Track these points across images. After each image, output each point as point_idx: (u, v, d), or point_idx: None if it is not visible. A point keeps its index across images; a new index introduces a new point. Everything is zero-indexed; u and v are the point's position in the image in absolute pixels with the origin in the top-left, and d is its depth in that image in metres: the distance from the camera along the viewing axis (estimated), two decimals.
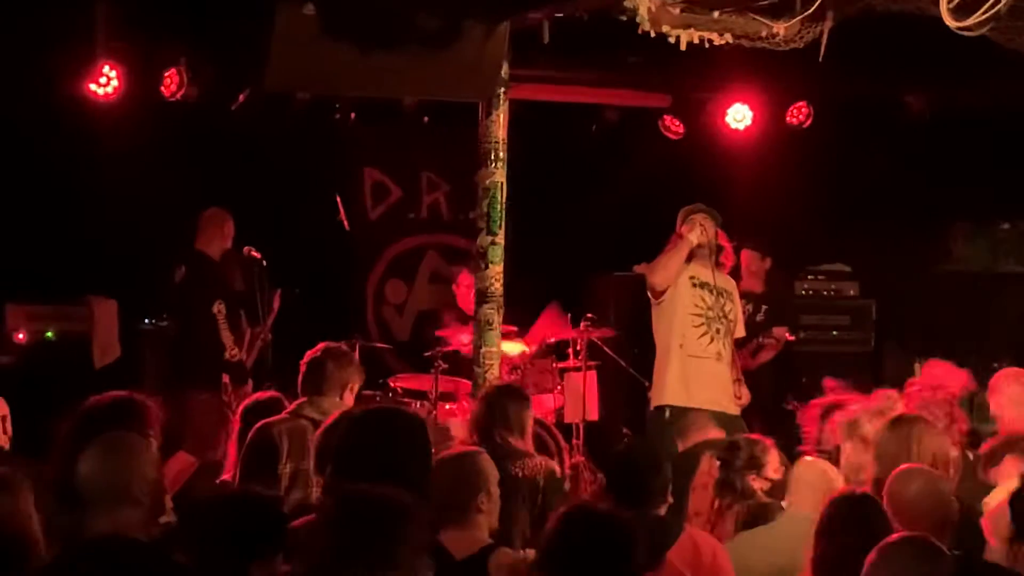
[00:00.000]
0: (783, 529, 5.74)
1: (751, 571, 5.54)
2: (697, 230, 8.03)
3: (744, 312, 8.73)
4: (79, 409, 5.26)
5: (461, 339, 9.65)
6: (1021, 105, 10.18)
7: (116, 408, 5.25)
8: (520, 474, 6.01)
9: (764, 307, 10.01)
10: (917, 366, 10.88)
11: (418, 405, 9.47)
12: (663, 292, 8.04)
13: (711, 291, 8.06)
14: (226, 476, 6.21)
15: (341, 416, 4.90)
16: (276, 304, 9.50)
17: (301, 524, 4.41)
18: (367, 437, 4.54)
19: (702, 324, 8.02)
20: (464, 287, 9.95)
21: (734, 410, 8.01)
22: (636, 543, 4.01)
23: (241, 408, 6.44)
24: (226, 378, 9.22)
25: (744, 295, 8.94)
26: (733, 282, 8.36)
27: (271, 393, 6.54)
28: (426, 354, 9.75)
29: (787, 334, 10.14)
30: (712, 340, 8.02)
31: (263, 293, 9.31)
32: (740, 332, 8.37)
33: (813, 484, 5.77)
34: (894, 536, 4.22)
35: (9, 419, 6.12)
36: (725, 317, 8.08)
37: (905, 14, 6.31)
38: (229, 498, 4.05)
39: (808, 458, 6.14)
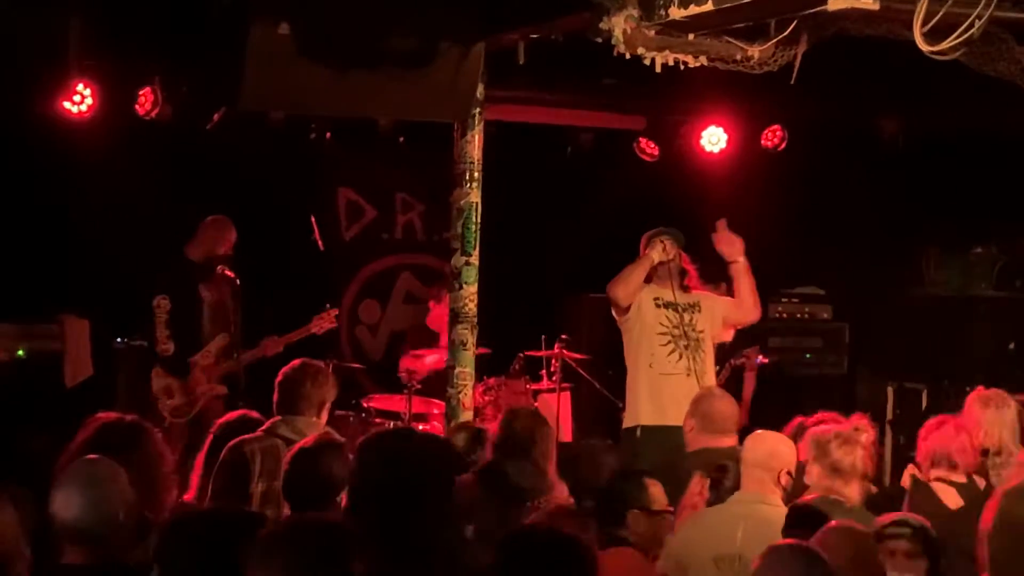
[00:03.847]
0: (731, 511, 5.74)
1: (697, 553, 5.54)
2: (658, 247, 8.12)
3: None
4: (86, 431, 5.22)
5: (426, 360, 9.70)
6: (994, 129, 10.25)
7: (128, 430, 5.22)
8: None
9: None
10: (890, 390, 10.95)
11: (391, 425, 9.45)
12: (627, 309, 8.10)
13: (675, 309, 8.14)
14: (188, 495, 5.97)
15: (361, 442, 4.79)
16: (267, 351, 9.31)
17: None
18: (391, 463, 4.45)
19: (669, 342, 8.09)
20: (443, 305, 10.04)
21: None
22: (593, 566, 3.94)
23: (216, 425, 6.36)
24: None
25: None
26: (698, 294, 8.36)
27: (249, 412, 6.47)
28: (400, 374, 9.76)
29: (759, 354, 10.16)
30: (680, 356, 8.08)
31: (237, 313, 9.26)
32: (722, 337, 8.42)
33: (762, 464, 5.78)
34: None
35: None
36: (693, 330, 8.14)
37: (879, 38, 6.34)
38: (208, 515, 4.01)
39: (758, 432, 6.13)
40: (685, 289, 8.25)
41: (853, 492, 5.82)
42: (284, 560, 3.53)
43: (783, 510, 5.66)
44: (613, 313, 8.23)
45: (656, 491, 5.57)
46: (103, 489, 4.29)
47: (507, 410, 6.89)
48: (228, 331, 9.26)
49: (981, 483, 6.47)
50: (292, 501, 5.16)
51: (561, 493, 6.16)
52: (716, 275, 8.73)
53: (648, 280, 8.15)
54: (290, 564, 3.53)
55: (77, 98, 9.79)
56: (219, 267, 9.26)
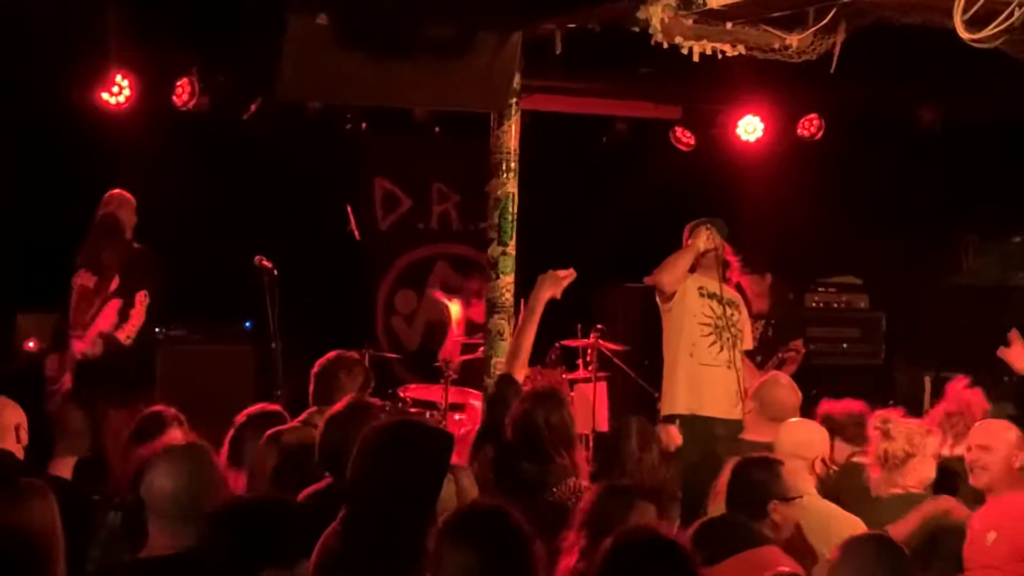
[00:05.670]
0: None
1: None
2: (704, 235, 8.06)
3: (755, 330, 8.73)
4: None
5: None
6: None
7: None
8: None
9: (772, 321, 10.00)
10: (927, 380, 10.90)
11: (428, 415, 9.47)
12: (671, 296, 8.04)
13: (719, 301, 8.07)
14: None
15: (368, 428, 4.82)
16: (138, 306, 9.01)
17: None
18: (387, 451, 4.48)
19: (711, 333, 8.02)
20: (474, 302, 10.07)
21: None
22: (696, 571, 3.88)
23: (240, 418, 6.36)
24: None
25: (753, 316, 8.94)
26: (739, 295, 8.37)
27: (268, 405, 6.47)
28: (436, 364, 9.77)
29: (804, 347, 10.13)
30: (722, 348, 8.01)
31: (273, 303, 9.24)
32: (748, 344, 8.36)
33: (795, 453, 5.74)
34: (857, 533, 4.20)
35: (24, 427, 6.05)
36: (734, 326, 8.09)
37: (918, 26, 6.31)
38: (250, 504, 4.03)
39: (791, 420, 6.10)
40: (726, 281, 8.22)
41: (909, 479, 5.85)
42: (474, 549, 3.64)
43: (818, 499, 5.65)
44: (657, 300, 8.17)
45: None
46: (201, 468, 4.31)
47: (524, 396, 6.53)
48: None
49: None
50: (327, 465, 5.13)
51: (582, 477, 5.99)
52: (759, 266, 8.68)
53: (692, 269, 8.10)
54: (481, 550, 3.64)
55: (115, 89, 9.86)
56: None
